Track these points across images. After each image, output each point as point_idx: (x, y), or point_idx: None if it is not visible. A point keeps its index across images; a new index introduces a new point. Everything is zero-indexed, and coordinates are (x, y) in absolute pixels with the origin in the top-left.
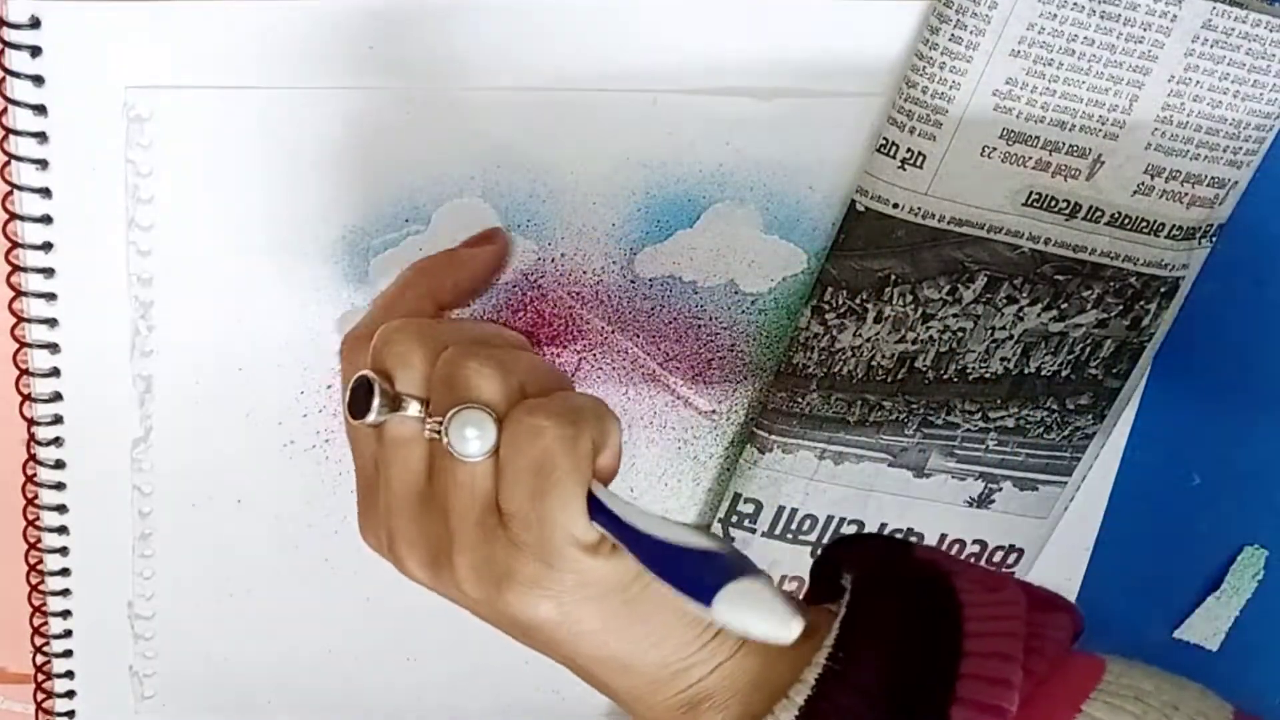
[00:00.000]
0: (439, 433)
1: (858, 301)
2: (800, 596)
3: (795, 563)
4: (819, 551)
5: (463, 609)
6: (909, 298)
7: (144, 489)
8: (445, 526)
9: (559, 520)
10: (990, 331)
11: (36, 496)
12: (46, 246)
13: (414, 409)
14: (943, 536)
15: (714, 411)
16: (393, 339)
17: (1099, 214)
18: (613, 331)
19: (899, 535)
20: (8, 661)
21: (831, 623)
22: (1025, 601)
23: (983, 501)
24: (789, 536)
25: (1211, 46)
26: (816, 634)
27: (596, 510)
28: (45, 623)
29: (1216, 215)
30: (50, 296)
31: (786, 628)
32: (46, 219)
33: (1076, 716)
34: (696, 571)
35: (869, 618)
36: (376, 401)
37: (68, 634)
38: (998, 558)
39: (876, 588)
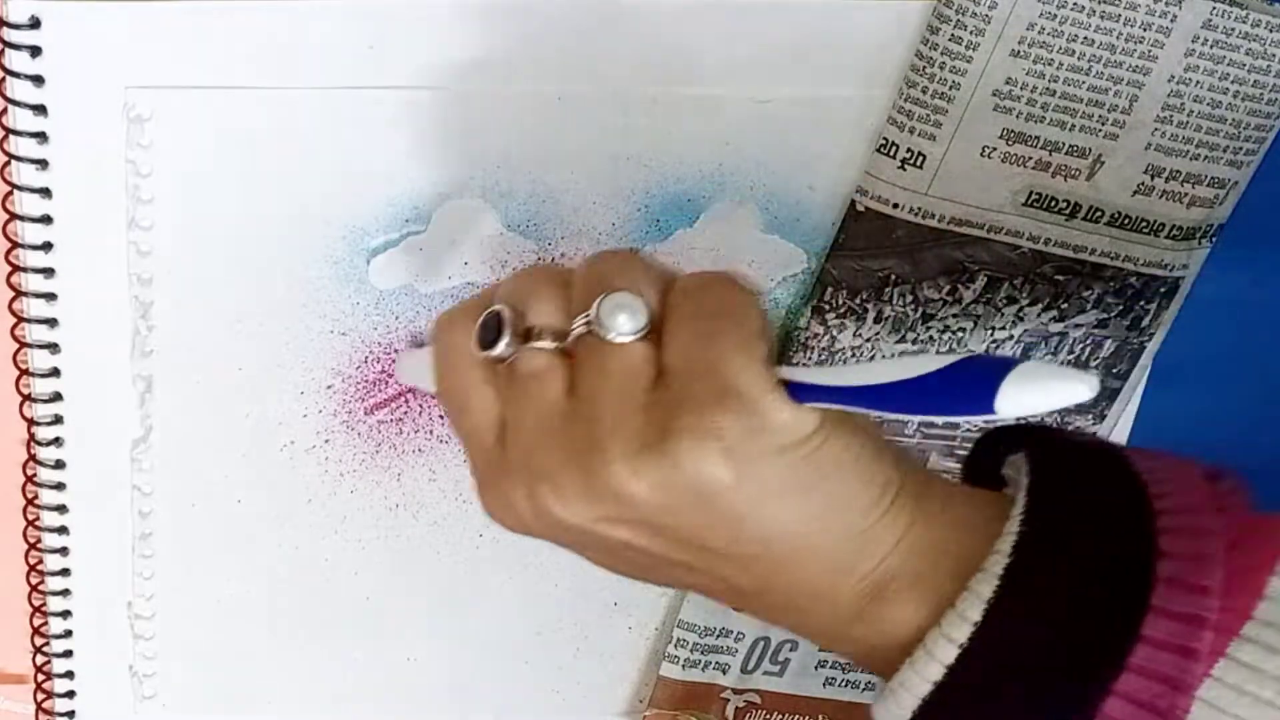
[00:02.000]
0: (588, 323)
1: (858, 301)
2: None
3: None
4: (972, 448)
5: (619, 548)
6: (909, 298)
7: (144, 489)
8: (593, 428)
9: (736, 359)
10: (990, 331)
11: (36, 496)
12: (46, 246)
13: (547, 342)
14: None
15: None
16: (523, 276)
17: (1099, 214)
18: None
19: None
20: (7, 661)
21: (1005, 501)
22: (1197, 466)
23: None
24: None
25: (1211, 46)
26: (994, 511)
27: (797, 392)
28: (45, 623)
29: (1216, 215)
30: (50, 296)
31: (1086, 382)
32: (46, 219)
33: None
34: (954, 390)
35: (1056, 483)
36: (508, 333)
37: (68, 634)
38: None
39: (1054, 457)
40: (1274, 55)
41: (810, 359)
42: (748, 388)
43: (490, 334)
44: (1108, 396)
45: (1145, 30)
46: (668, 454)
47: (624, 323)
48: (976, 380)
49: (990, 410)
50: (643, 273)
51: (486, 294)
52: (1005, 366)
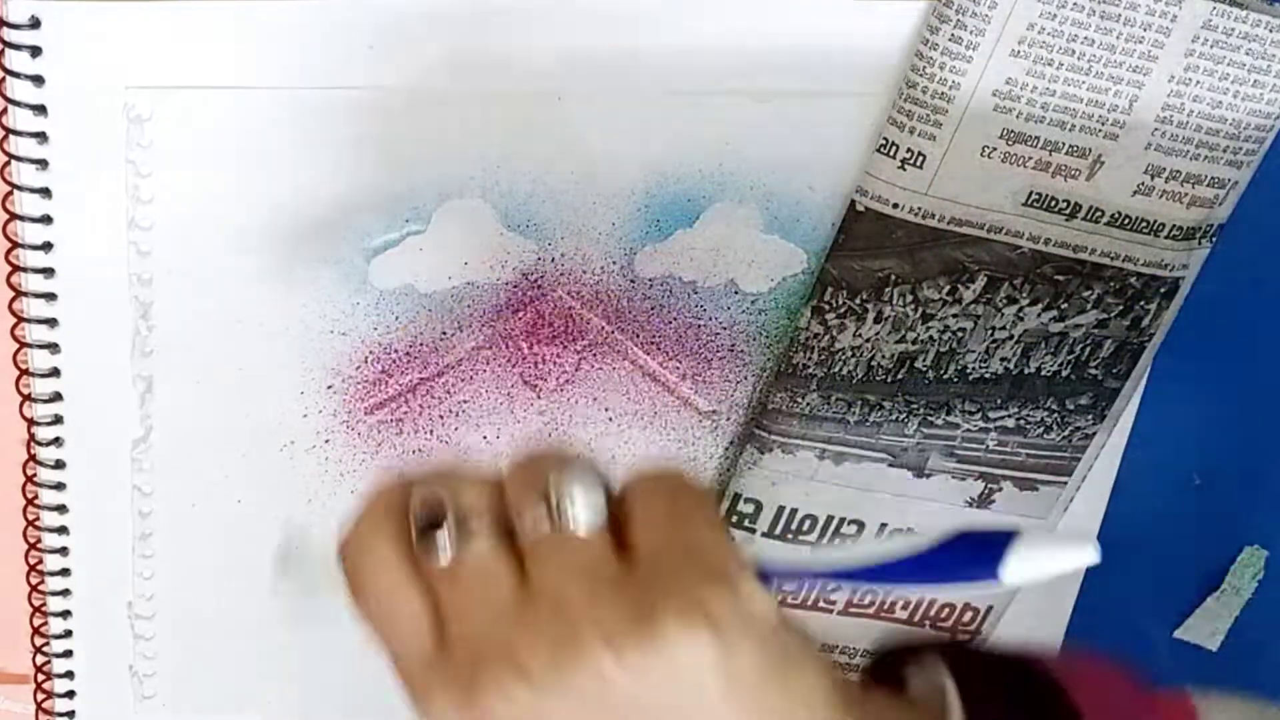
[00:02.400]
0: (548, 502)
1: (858, 301)
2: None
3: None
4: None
5: None
6: (909, 298)
7: (144, 489)
8: (560, 617)
9: (711, 539)
10: (990, 331)
11: (36, 496)
12: (46, 246)
13: (484, 532)
14: None
15: (714, 411)
16: (434, 478)
17: (1099, 214)
18: (613, 331)
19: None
20: (8, 661)
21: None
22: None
23: (983, 502)
24: (789, 537)
25: (1211, 46)
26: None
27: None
28: (45, 623)
29: (1216, 215)
30: (50, 296)
31: (1087, 551)
32: (46, 219)
33: None
34: (954, 564)
35: (992, 704)
36: (447, 533)
37: (68, 634)
38: None
39: (979, 674)
40: (1274, 55)
41: (810, 359)
42: (728, 567)
43: (426, 544)
44: (1108, 396)
45: (1145, 30)
46: (655, 634)
47: (587, 514)
48: (977, 554)
49: (995, 580)
50: (588, 466)
51: (389, 497)
52: (1006, 539)
